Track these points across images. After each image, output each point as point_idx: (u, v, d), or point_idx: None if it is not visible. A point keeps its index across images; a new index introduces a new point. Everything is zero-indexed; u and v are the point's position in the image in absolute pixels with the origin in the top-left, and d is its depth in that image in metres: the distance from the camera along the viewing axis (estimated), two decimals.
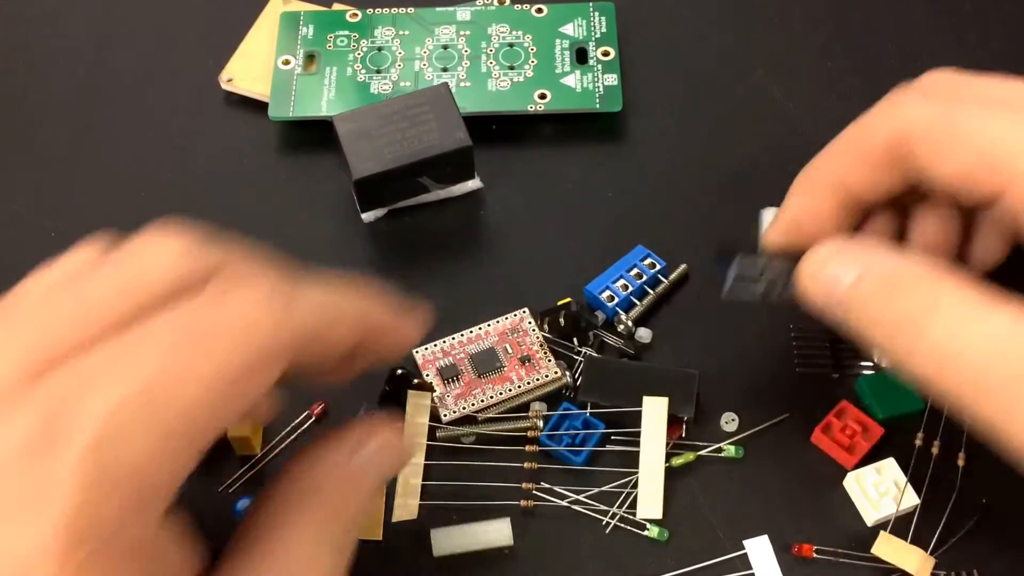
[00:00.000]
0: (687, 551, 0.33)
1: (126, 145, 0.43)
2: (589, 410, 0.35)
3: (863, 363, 0.36)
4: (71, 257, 0.25)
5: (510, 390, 0.35)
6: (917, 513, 0.33)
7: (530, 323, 0.36)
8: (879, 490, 0.33)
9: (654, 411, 0.34)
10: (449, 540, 0.33)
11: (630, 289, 0.37)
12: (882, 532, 0.32)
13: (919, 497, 0.33)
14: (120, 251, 0.25)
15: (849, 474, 0.34)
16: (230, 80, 0.43)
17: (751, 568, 0.33)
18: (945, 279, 0.27)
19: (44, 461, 0.20)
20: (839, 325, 0.29)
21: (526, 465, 0.34)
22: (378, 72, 0.42)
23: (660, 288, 0.37)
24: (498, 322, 0.36)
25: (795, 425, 0.35)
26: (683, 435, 0.34)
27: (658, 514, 0.33)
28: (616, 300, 0.36)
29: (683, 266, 0.38)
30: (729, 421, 0.35)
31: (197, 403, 0.22)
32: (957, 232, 0.33)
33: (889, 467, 0.34)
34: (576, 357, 0.36)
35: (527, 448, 0.34)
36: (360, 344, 0.27)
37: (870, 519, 0.33)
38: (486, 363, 0.35)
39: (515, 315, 0.36)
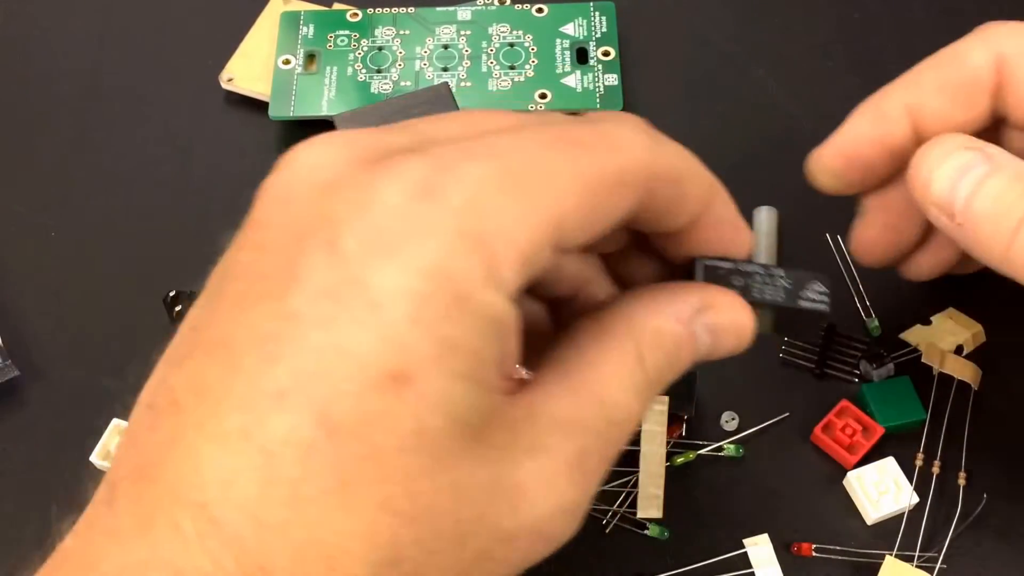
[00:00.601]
0: (687, 550, 0.33)
1: (126, 144, 0.43)
2: None
3: (853, 371, 0.36)
4: None
5: None
6: (925, 518, 0.33)
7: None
8: (879, 489, 0.33)
9: (654, 410, 0.34)
10: None
11: None
12: (888, 557, 0.32)
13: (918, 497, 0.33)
14: None
15: (849, 473, 0.34)
16: (231, 80, 0.43)
17: (751, 567, 0.33)
18: None
19: (421, 206, 0.21)
20: (948, 227, 0.28)
21: None
22: (378, 72, 0.42)
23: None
24: None
25: (795, 425, 0.35)
26: (683, 434, 0.34)
27: (658, 514, 0.33)
28: None
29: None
30: (729, 420, 0.35)
31: (564, 195, 0.22)
32: None
33: (889, 466, 0.34)
34: None
35: None
36: (699, 225, 0.25)
37: (870, 518, 0.33)
38: None
39: None
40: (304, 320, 0.20)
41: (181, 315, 0.35)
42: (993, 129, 0.30)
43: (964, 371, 0.34)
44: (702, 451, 0.34)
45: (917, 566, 0.32)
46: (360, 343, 0.20)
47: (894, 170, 0.31)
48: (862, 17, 0.44)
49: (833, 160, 0.31)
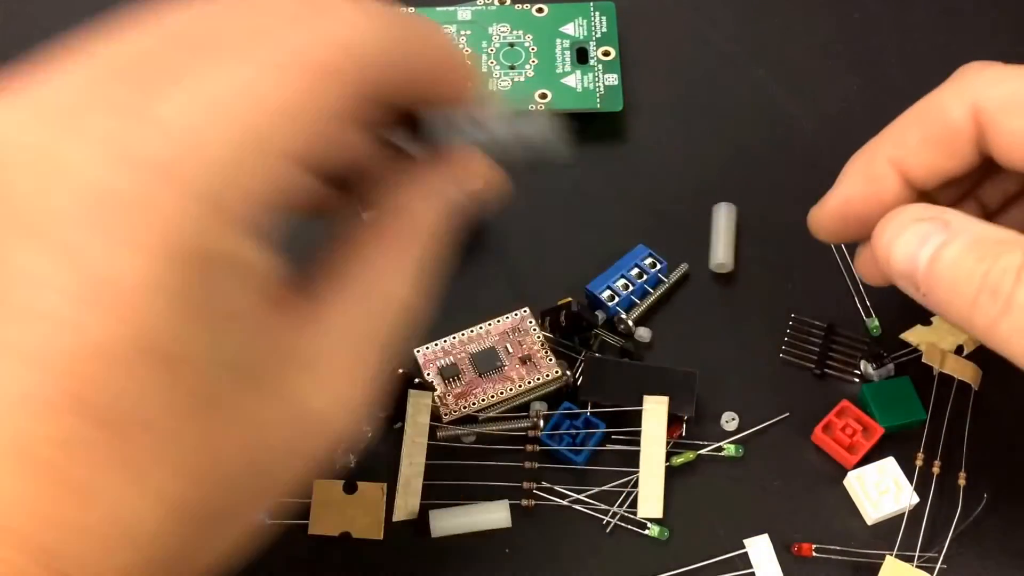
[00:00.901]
0: (687, 550, 0.33)
1: None
2: (590, 409, 0.35)
3: (853, 371, 0.36)
4: None
5: (511, 389, 0.35)
6: (925, 518, 0.33)
7: (531, 323, 0.36)
8: (879, 489, 0.33)
9: (655, 411, 0.34)
10: (448, 521, 0.33)
11: (631, 288, 0.37)
12: (888, 557, 0.32)
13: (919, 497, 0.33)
14: None
15: (850, 473, 0.34)
16: None
17: (751, 567, 0.33)
18: None
19: (125, 175, 0.19)
20: (916, 296, 0.29)
21: (526, 465, 0.34)
22: None
23: (661, 288, 0.37)
24: (499, 321, 0.36)
25: (795, 425, 0.35)
26: (683, 434, 0.35)
27: (659, 513, 0.33)
28: (617, 299, 0.36)
29: (684, 266, 0.38)
30: (729, 420, 0.35)
31: (274, 115, 0.20)
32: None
33: (889, 466, 0.34)
34: (577, 357, 0.36)
35: (527, 448, 0.34)
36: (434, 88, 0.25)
37: (870, 518, 0.33)
38: (487, 362, 0.35)
39: (516, 315, 0.36)
40: (25, 316, 0.19)
41: None
42: (984, 167, 0.30)
43: (964, 371, 0.34)
44: (702, 451, 0.34)
45: (917, 566, 0.32)
46: (96, 329, 0.19)
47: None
48: (862, 17, 0.44)
49: (830, 221, 0.32)
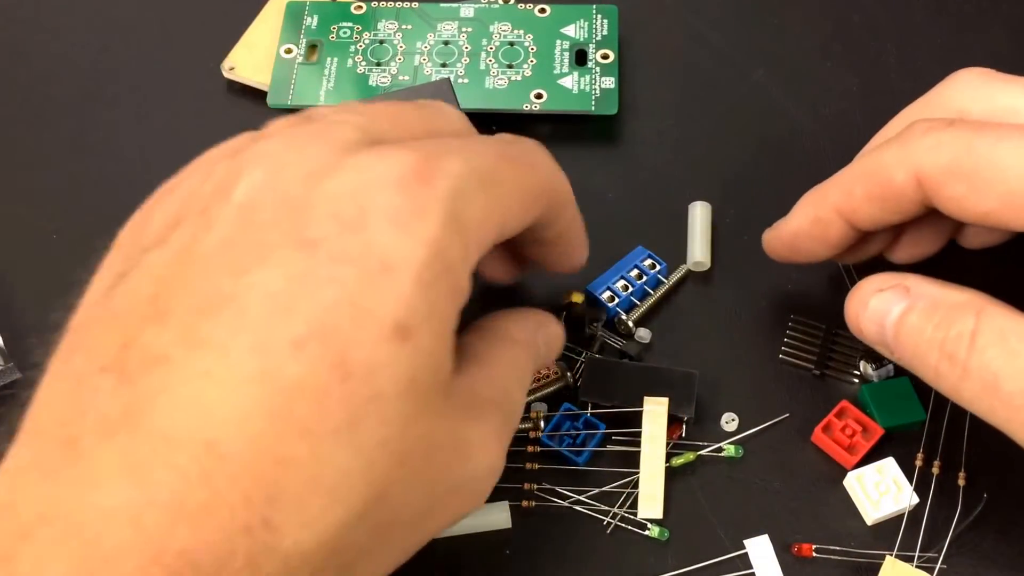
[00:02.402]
0: (688, 550, 0.33)
1: (127, 142, 0.42)
2: (590, 410, 0.35)
3: (852, 371, 0.36)
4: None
5: None
6: (925, 518, 0.33)
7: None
8: (879, 489, 0.33)
9: (655, 411, 0.34)
10: None
11: (631, 289, 0.37)
12: (888, 557, 0.32)
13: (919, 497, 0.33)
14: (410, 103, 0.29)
15: (849, 474, 0.34)
16: (232, 68, 0.43)
17: (751, 567, 0.33)
18: (989, 308, 0.28)
19: (419, 190, 0.24)
20: (891, 358, 0.31)
21: (527, 466, 0.34)
22: (378, 65, 0.42)
23: (661, 289, 0.37)
24: None
25: (795, 425, 0.35)
26: (683, 435, 0.35)
27: (659, 514, 0.33)
28: (617, 300, 0.36)
29: (684, 267, 0.38)
30: (729, 421, 0.35)
31: (511, 199, 0.27)
32: (942, 238, 0.35)
33: (889, 467, 0.34)
34: (577, 358, 0.36)
35: (528, 448, 0.34)
36: (560, 238, 0.31)
37: (870, 518, 0.33)
38: None
39: None
40: (318, 279, 0.23)
41: None
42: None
43: None
44: (702, 451, 0.34)
45: (917, 566, 0.32)
46: (373, 298, 0.23)
47: (837, 251, 0.34)
48: (861, 18, 0.45)
49: (780, 247, 0.35)
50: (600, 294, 0.36)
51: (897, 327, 0.30)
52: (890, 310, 0.30)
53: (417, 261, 0.23)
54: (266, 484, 0.21)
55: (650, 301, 0.37)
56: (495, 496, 0.33)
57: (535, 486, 0.34)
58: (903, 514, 0.33)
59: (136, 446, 0.21)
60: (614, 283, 0.37)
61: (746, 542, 0.33)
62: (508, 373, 0.28)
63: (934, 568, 0.32)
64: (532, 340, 0.30)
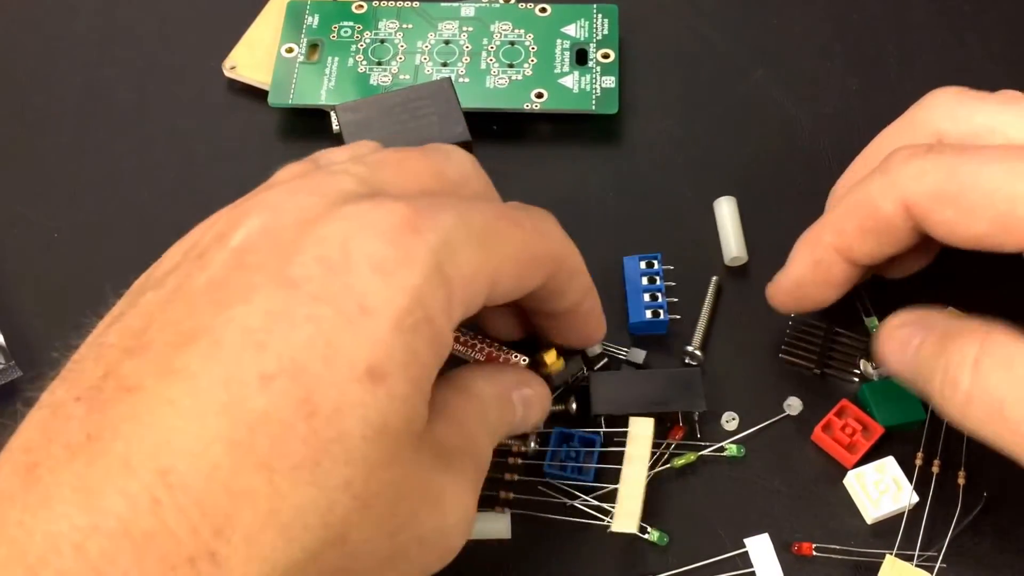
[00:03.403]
0: (688, 550, 0.33)
1: (128, 141, 0.42)
2: (583, 430, 0.34)
3: (853, 371, 0.36)
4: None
5: None
6: (925, 517, 0.33)
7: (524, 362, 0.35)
8: (879, 488, 0.33)
9: (640, 434, 0.34)
10: None
11: (659, 297, 0.36)
12: (888, 556, 0.32)
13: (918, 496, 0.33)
14: (422, 148, 0.30)
15: (849, 472, 0.34)
16: (233, 68, 0.43)
17: (752, 567, 0.33)
18: (994, 334, 0.28)
19: (407, 239, 0.24)
20: (915, 390, 0.31)
21: (506, 476, 0.34)
22: (379, 64, 0.42)
23: (706, 306, 0.37)
24: (498, 348, 0.34)
25: (795, 424, 0.35)
26: (694, 434, 0.35)
27: (633, 529, 0.32)
28: (661, 313, 0.36)
29: (714, 278, 0.38)
30: (729, 420, 0.35)
31: (505, 260, 0.27)
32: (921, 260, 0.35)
33: (889, 466, 0.34)
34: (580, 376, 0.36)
35: (509, 461, 0.34)
36: (573, 313, 0.31)
37: (870, 517, 0.33)
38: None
39: (514, 355, 0.34)
40: (295, 317, 0.23)
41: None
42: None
43: None
44: (704, 452, 0.34)
45: (917, 565, 0.32)
46: (348, 340, 0.23)
47: (842, 291, 0.34)
48: (861, 18, 0.45)
49: (786, 298, 0.35)
50: (646, 318, 0.36)
51: (914, 358, 0.30)
52: (909, 344, 0.30)
53: (396, 307, 0.23)
54: (217, 516, 0.21)
55: (702, 321, 0.37)
56: (487, 499, 0.33)
57: (512, 496, 0.34)
58: (903, 513, 0.33)
59: (91, 472, 0.21)
60: (645, 302, 0.36)
61: (746, 541, 0.33)
62: (474, 426, 0.28)
63: (934, 567, 0.32)
64: (504, 396, 0.30)
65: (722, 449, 0.34)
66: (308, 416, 0.22)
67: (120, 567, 0.20)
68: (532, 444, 0.34)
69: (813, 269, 0.33)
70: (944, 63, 0.43)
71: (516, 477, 0.34)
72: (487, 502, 0.33)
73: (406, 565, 0.26)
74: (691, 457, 0.34)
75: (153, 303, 0.24)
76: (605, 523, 0.33)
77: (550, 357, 0.33)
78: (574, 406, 0.35)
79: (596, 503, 0.34)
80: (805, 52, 0.44)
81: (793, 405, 0.35)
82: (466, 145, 0.38)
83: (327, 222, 0.25)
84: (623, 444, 0.34)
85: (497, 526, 0.33)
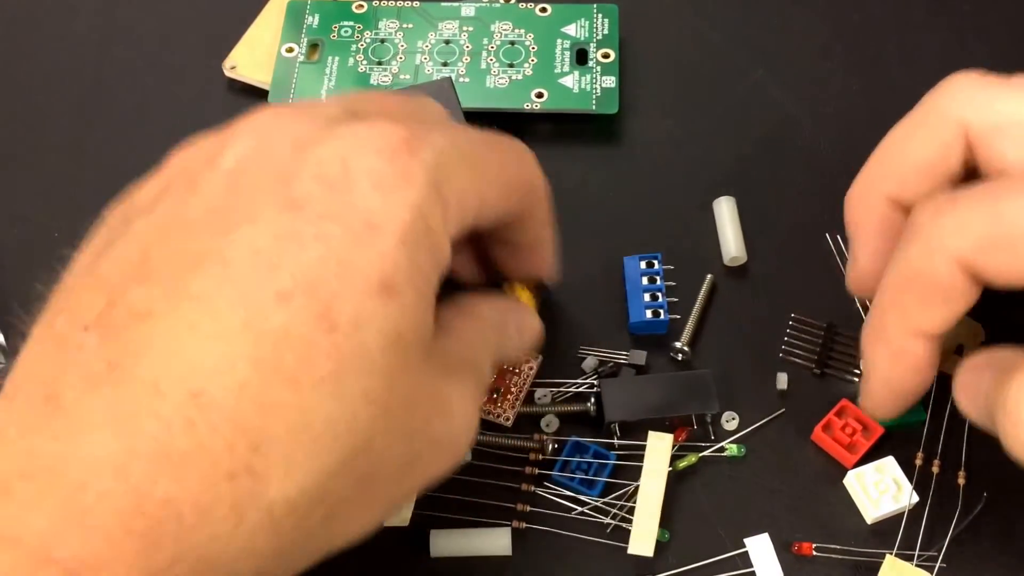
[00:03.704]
0: (688, 549, 0.33)
1: (129, 139, 0.42)
2: (598, 441, 0.34)
3: (853, 371, 0.36)
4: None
5: None
6: (925, 517, 0.33)
7: (532, 369, 0.36)
8: (879, 488, 0.33)
9: (658, 446, 0.34)
10: (448, 543, 0.33)
11: (660, 297, 0.36)
12: (888, 556, 0.32)
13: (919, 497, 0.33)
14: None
15: (849, 472, 0.34)
16: (233, 67, 0.43)
17: (752, 566, 0.33)
18: None
19: (404, 158, 0.25)
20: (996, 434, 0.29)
21: (523, 487, 0.34)
22: (379, 64, 0.42)
23: (697, 304, 0.37)
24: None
25: (796, 424, 0.35)
26: (696, 435, 0.35)
27: (650, 552, 0.32)
28: (661, 313, 0.36)
29: (709, 276, 0.38)
30: (730, 420, 0.35)
31: (491, 181, 0.28)
32: None
33: (889, 465, 0.34)
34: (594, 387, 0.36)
35: (527, 470, 0.34)
36: (532, 242, 0.32)
37: (870, 517, 0.33)
38: None
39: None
40: (303, 237, 0.23)
41: None
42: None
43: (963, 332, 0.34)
44: (705, 452, 0.34)
45: (917, 565, 0.32)
46: (359, 255, 0.23)
47: (936, 368, 0.31)
48: (861, 18, 0.45)
49: (886, 409, 0.32)
50: (645, 318, 0.36)
51: (984, 403, 0.28)
52: (979, 389, 0.29)
53: (401, 222, 0.24)
54: (251, 432, 0.22)
55: (692, 318, 0.37)
56: (490, 512, 0.34)
57: (528, 508, 0.34)
58: (903, 513, 0.33)
59: (120, 398, 0.21)
60: (645, 302, 0.36)
61: (746, 541, 0.33)
62: (477, 344, 0.29)
63: (934, 567, 0.32)
64: (502, 321, 0.31)
65: (722, 449, 0.34)
66: (329, 330, 0.23)
67: (162, 488, 0.21)
68: (550, 447, 0.34)
69: (896, 364, 0.30)
70: (944, 63, 0.43)
71: (533, 488, 0.34)
72: (503, 514, 0.34)
73: (423, 467, 0.26)
74: (692, 459, 0.34)
75: (147, 230, 0.24)
76: (605, 523, 0.33)
77: (524, 296, 0.34)
78: (593, 408, 0.35)
79: (599, 503, 0.34)
80: (805, 52, 0.44)
81: (781, 379, 0.35)
82: None
83: (323, 142, 0.25)
84: (632, 458, 0.34)
85: (498, 543, 0.33)
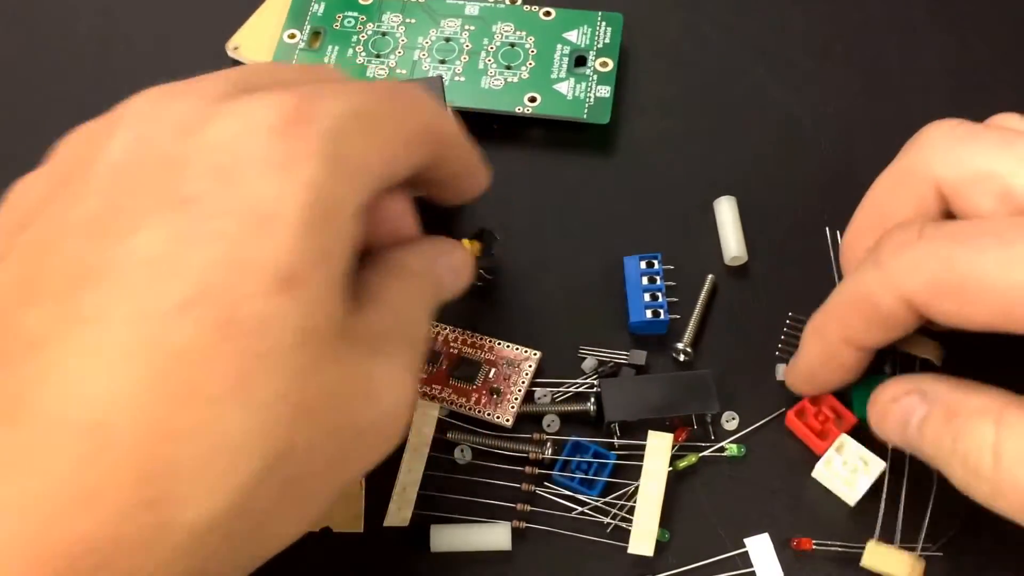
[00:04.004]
0: (688, 549, 0.33)
1: None
2: (598, 441, 0.34)
3: None
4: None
5: (460, 405, 0.35)
6: (928, 512, 0.33)
7: (531, 367, 0.36)
8: (848, 468, 0.33)
9: (658, 446, 0.34)
10: (448, 538, 0.33)
11: (660, 297, 0.36)
12: (869, 542, 0.32)
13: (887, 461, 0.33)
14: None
15: (816, 465, 0.34)
16: (236, 48, 0.43)
17: (752, 566, 0.33)
18: (1008, 414, 0.27)
19: (296, 132, 0.23)
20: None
21: (523, 487, 0.34)
22: (377, 57, 0.42)
23: (698, 304, 0.37)
24: (506, 346, 0.36)
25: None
26: (697, 435, 0.35)
27: (650, 552, 0.32)
28: (662, 313, 0.36)
29: (710, 276, 0.38)
30: (730, 420, 0.35)
31: (395, 138, 0.26)
32: None
33: (847, 444, 0.34)
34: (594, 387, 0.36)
35: (527, 470, 0.34)
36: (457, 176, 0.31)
37: (852, 499, 0.33)
38: (464, 371, 0.36)
39: (524, 350, 0.36)
40: (197, 238, 0.22)
41: None
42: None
43: (925, 349, 0.34)
44: (705, 453, 0.34)
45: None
46: (255, 250, 0.22)
47: (860, 372, 0.33)
48: (861, 18, 0.45)
49: (804, 387, 0.34)
50: (645, 318, 0.36)
51: (919, 437, 0.29)
52: (909, 420, 0.29)
53: (297, 206, 0.23)
54: (159, 458, 0.21)
55: (693, 318, 0.37)
56: (490, 512, 0.34)
57: (528, 508, 0.34)
58: (899, 511, 0.33)
59: (20, 435, 0.21)
60: (645, 302, 0.36)
61: (746, 541, 0.33)
62: (408, 305, 0.28)
63: (933, 557, 0.32)
64: (430, 270, 0.29)
65: (722, 449, 0.34)
66: (230, 337, 0.21)
67: (71, 527, 0.20)
68: (547, 452, 0.34)
69: (825, 360, 0.32)
70: (944, 63, 0.43)
71: (533, 488, 0.34)
72: (503, 514, 0.34)
73: (356, 457, 0.25)
74: (693, 459, 0.34)
75: (32, 243, 0.23)
76: (605, 522, 0.33)
77: (466, 244, 0.34)
78: (593, 408, 0.35)
79: (599, 503, 0.34)
80: (805, 52, 0.44)
81: (779, 370, 0.36)
82: None
83: (208, 125, 0.23)
84: (632, 457, 0.34)
85: (497, 538, 0.33)
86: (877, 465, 0.33)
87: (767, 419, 0.35)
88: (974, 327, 0.28)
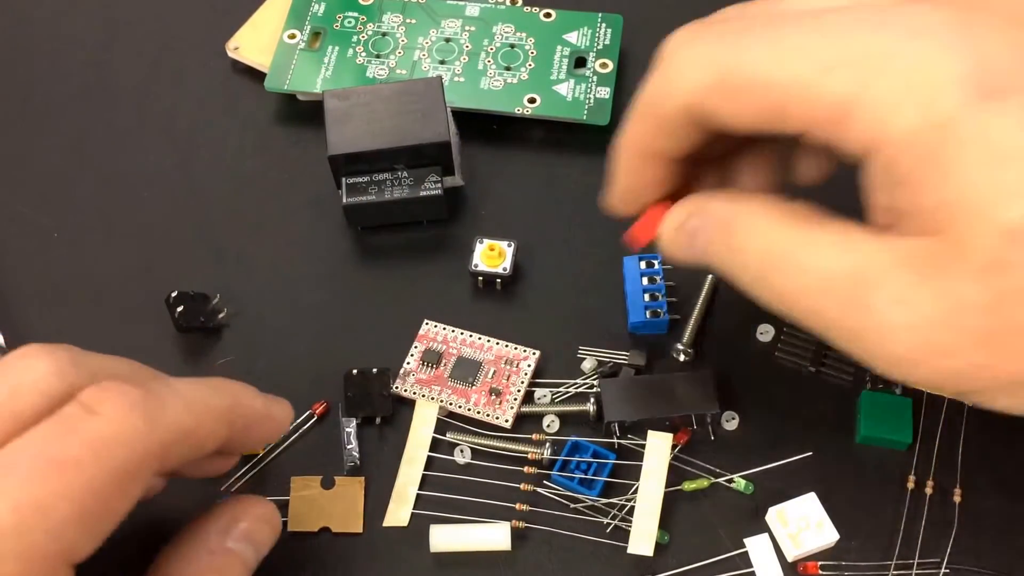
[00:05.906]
0: (688, 549, 0.33)
1: (128, 138, 0.42)
2: (598, 441, 0.34)
3: (847, 368, 0.36)
4: None
5: (460, 406, 0.35)
6: (924, 519, 0.33)
7: (529, 366, 0.36)
8: (799, 526, 0.33)
9: (658, 446, 0.34)
10: (447, 538, 0.33)
11: (660, 297, 0.36)
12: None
13: None
14: None
15: (771, 510, 0.33)
16: (236, 48, 0.43)
17: (751, 567, 0.33)
18: (764, 214, 0.28)
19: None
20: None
21: (523, 487, 0.34)
22: (377, 57, 0.42)
23: (698, 305, 0.37)
24: (505, 346, 0.36)
25: (796, 425, 0.35)
26: (698, 436, 0.35)
27: (649, 552, 0.32)
28: (661, 313, 0.36)
29: (710, 277, 0.38)
30: (730, 420, 0.35)
31: (67, 523, 0.23)
32: (779, 166, 0.33)
33: (809, 502, 0.33)
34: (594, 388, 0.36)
35: (526, 470, 0.34)
36: (231, 437, 0.29)
37: (791, 555, 0.33)
38: (463, 371, 0.36)
39: (523, 349, 0.36)
40: None
41: (185, 316, 0.36)
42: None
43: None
44: (717, 480, 0.34)
45: (917, 574, 0.32)
46: None
47: (671, 186, 0.32)
48: None
49: (620, 207, 0.33)
50: (645, 318, 0.36)
51: (704, 252, 0.29)
52: (693, 240, 0.30)
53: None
54: None
55: (694, 318, 0.37)
56: (488, 512, 0.34)
57: (527, 508, 0.34)
58: (901, 520, 0.33)
59: None
60: (645, 302, 0.36)
61: (746, 541, 0.33)
62: None
63: (937, 573, 0.32)
64: (216, 561, 0.29)
65: (731, 480, 0.34)
66: None
67: None
68: (547, 452, 0.34)
69: (632, 174, 0.31)
70: None
71: (533, 488, 0.34)
72: (503, 514, 0.34)
73: None
74: (703, 484, 0.34)
75: None
76: (605, 522, 0.33)
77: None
78: (593, 408, 0.35)
79: (599, 503, 0.34)
80: None
81: (765, 331, 0.36)
82: (442, 145, 0.38)
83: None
84: (632, 457, 0.34)
85: (497, 538, 0.33)
86: (831, 533, 0.33)
87: (764, 422, 0.35)
88: (752, 129, 0.28)
